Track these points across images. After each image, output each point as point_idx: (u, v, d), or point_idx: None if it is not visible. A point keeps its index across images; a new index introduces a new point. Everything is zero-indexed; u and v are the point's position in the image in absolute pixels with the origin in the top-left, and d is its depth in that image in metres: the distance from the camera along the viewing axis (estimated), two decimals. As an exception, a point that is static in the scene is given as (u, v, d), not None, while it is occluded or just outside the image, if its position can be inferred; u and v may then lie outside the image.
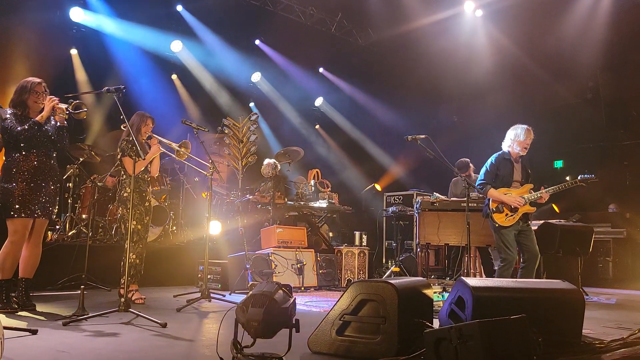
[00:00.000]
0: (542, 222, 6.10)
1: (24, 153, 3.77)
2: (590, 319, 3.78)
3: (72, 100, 3.86)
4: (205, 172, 4.83)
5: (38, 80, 3.91)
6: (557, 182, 4.83)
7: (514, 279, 3.92)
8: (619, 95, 9.08)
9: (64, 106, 3.85)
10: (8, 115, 3.77)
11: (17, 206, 3.70)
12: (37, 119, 3.78)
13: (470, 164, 6.74)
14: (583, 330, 2.72)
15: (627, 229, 7.67)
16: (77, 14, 8.04)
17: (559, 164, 9.86)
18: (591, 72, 9.07)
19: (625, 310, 4.98)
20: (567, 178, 5.02)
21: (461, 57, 9.25)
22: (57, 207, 4.02)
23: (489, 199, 4.77)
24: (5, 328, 2.74)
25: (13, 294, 3.81)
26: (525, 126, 4.78)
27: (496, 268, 5.03)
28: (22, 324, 2.94)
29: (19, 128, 3.72)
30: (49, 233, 5.90)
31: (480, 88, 9.52)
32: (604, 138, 9.26)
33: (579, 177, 4.84)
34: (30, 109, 3.87)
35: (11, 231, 3.73)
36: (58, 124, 3.90)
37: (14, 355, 2.35)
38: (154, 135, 4.56)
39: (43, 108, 3.85)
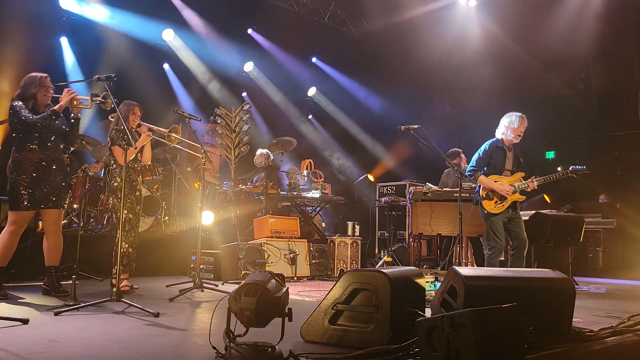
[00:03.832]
0: (533, 212, 6.14)
1: (33, 145, 3.86)
2: (580, 308, 3.83)
3: (98, 93, 3.91)
4: (198, 155, 4.80)
5: (45, 74, 4.02)
6: (548, 173, 4.85)
7: (505, 268, 3.96)
8: (611, 86, 9.12)
9: (86, 97, 3.94)
10: (21, 107, 3.83)
11: (22, 198, 3.79)
12: (55, 108, 3.87)
13: (462, 154, 6.75)
14: (573, 319, 2.75)
15: (617, 220, 7.75)
16: (67, 2, 7.91)
17: (550, 154, 9.92)
18: (583, 62, 9.10)
19: (615, 299, 5.05)
20: (559, 169, 5.04)
21: (454, 48, 9.23)
22: (67, 197, 4.07)
23: (479, 186, 4.79)
24: (-4, 318, 2.72)
25: (6, 284, 3.83)
26: (519, 114, 4.79)
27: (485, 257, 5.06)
28: (14, 314, 2.91)
29: (34, 118, 3.80)
30: (39, 223, 5.85)
31: (473, 78, 9.52)
32: (595, 129, 9.32)
33: (570, 168, 4.85)
34: (39, 101, 3.96)
35: (10, 221, 3.83)
36: (72, 115, 4.02)
37: (5, 345, 2.34)
38: (143, 123, 4.53)
39: (49, 102, 3.97)
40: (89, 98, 3.96)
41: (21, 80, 3.99)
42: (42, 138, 3.88)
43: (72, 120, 4.04)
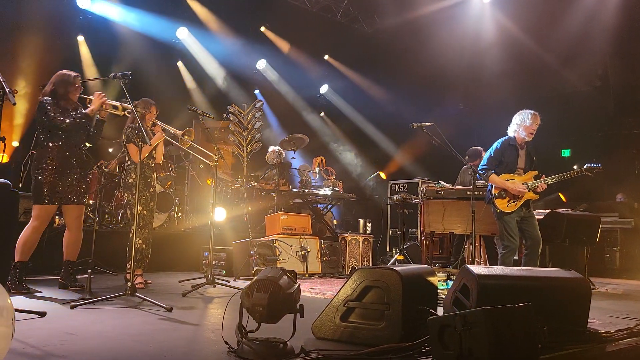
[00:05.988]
0: (548, 211, 6.06)
1: (58, 142, 3.95)
2: (596, 309, 3.78)
3: (125, 100, 4.01)
4: (208, 162, 4.85)
5: (76, 73, 4.10)
6: (563, 171, 4.76)
7: (519, 267, 3.92)
8: (629, 82, 8.95)
9: (117, 103, 4.08)
10: (50, 106, 3.91)
11: (45, 193, 3.88)
12: (87, 112, 4.00)
13: (483, 152, 6.68)
14: (589, 320, 2.72)
15: (635, 219, 7.60)
16: (83, 1, 8.02)
17: (566, 152, 9.78)
18: (600, 59, 8.94)
19: (632, 300, 4.97)
20: (575, 167, 4.94)
21: (468, 44, 9.14)
22: (86, 193, 4.29)
23: (491, 185, 4.74)
24: (15, 310, 2.78)
25: (24, 277, 3.90)
26: (531, 111, 4.71)
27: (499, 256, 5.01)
28: (31, 307, 2.97)
29: (68, 120, 3.90)
30: (57, 218, 5.95)
31: (487, 75, 9.42)
32: (613, 126, 9.16)
33: (584, 166, 4.75)
34: (68, 100, 4.04)
35: (34, 216, 3.91)
36: (98, 117, 4.12)
37: (24, 337, 2.38)
38: (158, 122, 4.57)
39: (77, 100, 4.07)
40: (119, 104, 4.08)
41: (52, 77, 4.06)
42: (68, 136, 3.98)
43: (97, 122, 4.16)
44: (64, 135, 3.95)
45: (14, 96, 2.89)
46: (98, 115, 4.13)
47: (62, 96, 3.99)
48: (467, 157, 6.53)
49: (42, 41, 7.31)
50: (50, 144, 3.93)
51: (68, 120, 3.90)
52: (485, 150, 6.58)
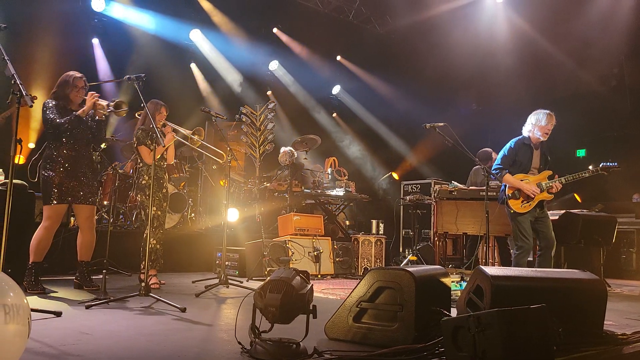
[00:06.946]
0: (563, 211, 5.98)
1: (65, 143, 3.99)
2: (612, 311, 3.72)
3: (114, 99, 4.06)
4: (220, 160, 4.88)
5: (79, 74, 4.13)
6: (578, 171, 4.69)
7: (534, 269, 3.87)
8: (645, 82, 8.80)
9: (104, 103, 4.09)
10: (51, 107, 3.97)
11: (54, 193, 3.92)
12: (78, 113, 4.00)
13: (493, 154, 6.62)
14: (605, 322, 2.68)
15: (652, 220, 7.47)
16: (98, 4, 8.15)
17: (581, 152, 9.64)
18: (616, 58, 8.80)
19: (649, 302, 4.88)
20: (590, 167, 4.85)
21: (481, 44, 9.07)
22: (97, 194, 4.32)
23: (505, 185, 4.69)
24: (31, 310, 2.82)
25: (39, 278, 3.95)
26: (547, 111, 4.66)
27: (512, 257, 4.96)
28: (47, 306, 3.02)
29: (60, 121, 3.93)
30: (72, 219, 6.04)
31: (501, 75, 9.33)
32: (628, 126, 9.01)
33: (600, 165, 4.67)
34: (72, 101, 4.09)
35: (45, 216, 3.96)
36: (97, 117, 4.15)
37: (40, 336, 2.42)
38: (168, 123, 4.60)
39: (84, 101, 4.07)
40: (104, 105, 4.08)
41: (58, 79, 4.12)
42: (73, 136, 4.02)
43: (97, 122, 4.17)
44: (68, 136, 3.99)
45: (31, 99, 2.94)
46: (97, 116, 4.13)
47: (63, 97, 4.04)
48: (477, 159, 6.46)
49: (57, 44, 7.43)
50: (57, 145, 3.99)
51: (58, 121, 3.92)
52: (497, 151, 6.54)
